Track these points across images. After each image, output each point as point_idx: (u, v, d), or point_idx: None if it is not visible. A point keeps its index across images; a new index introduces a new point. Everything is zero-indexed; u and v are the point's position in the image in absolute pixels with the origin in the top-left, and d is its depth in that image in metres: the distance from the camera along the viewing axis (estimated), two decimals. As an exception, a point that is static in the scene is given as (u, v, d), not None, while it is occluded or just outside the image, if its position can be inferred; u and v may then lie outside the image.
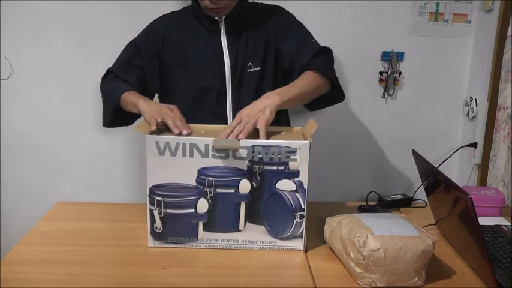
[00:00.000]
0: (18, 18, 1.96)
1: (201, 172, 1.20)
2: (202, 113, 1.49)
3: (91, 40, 2.00)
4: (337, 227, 1.20)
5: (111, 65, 1.48)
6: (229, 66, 1.49)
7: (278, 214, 1.22)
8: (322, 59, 1.48)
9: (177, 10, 1.59)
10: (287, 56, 1.51)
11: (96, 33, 1.99)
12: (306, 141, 1.19)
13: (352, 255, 1.10)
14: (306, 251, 1.25)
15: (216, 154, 1.19)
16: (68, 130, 2.08)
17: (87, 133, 2.08)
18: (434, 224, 1.38)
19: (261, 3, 1.60)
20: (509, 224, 1.39)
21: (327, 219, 1.26)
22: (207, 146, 1.18)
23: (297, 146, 1.18)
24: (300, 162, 1.19)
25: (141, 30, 1.58)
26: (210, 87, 1.50)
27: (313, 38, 1.54)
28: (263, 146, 1.19)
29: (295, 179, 1.20)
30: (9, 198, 2.12)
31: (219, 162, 1.20)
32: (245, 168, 1.20)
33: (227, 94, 1.50)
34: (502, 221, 1.42)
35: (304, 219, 1.22)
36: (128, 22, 1.99)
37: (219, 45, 1.49)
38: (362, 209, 1.52)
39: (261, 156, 1.19)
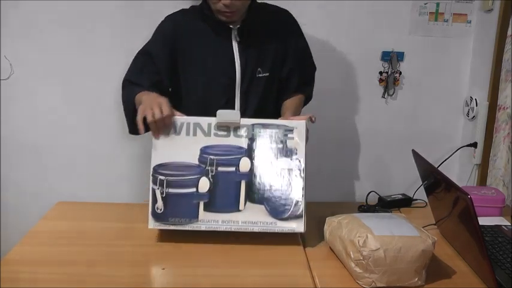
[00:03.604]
0: (18, 18, 1.96)
1: (204, 151, 1.25)
2: (209, 115, 1.49)
3: (91, 40, 2.00)
4: (337, 227, 1.20)
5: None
6: (240, 71, 1.50)
7: (277, 193, 1.24)
8: (312, 85, 1.70)
9: (185, 8, 1.57)
10: (288, 69, 1.58)
11: (96, 34, 1.99)
12: (302, 121, 1.27)
13: (352, 255, 1.10)
14: (305, 246, 1.25)
15: (218, 133, 1.26)
16: (68, 130, 2.08)
17: (87, 133, 2.09)
18: (434, 224, 1.38)
19: (269, 6, 1.60)
20: (509, 224, 1.39)
21: (327, 219, 1.26)
22: (209, 124, 1.26)
23: (294, 125, 1.27)
24: (297, 141, 1.26)
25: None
26: (218, 90, 1.51)
27: (311, 56, 1.67)
28: (262, 124, 1.27)
29: (293, 157, 1.26)
30: (9, 198, 2.12)
31: (220, 141, 1.26)
32: (245, 147, 1.26)
33: (235, 98, 1.52)
34: (502, 221, 1.42)
35: (303, 198, 1.24)
36: (128, 22, 1.99)
37: (230, 50, 1.49)
38: (362, 209, 1.51)
39: (260, 134, 1.26)
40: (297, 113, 1.53)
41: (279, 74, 1.57)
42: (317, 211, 1.35)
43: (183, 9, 1.57)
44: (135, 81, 1.48)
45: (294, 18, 1.60)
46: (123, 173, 2.14)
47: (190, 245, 1.25)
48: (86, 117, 2.07)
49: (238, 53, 1.49)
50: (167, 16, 1.55)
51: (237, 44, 1.49)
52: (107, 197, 2.02)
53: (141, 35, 1.99)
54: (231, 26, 1.47)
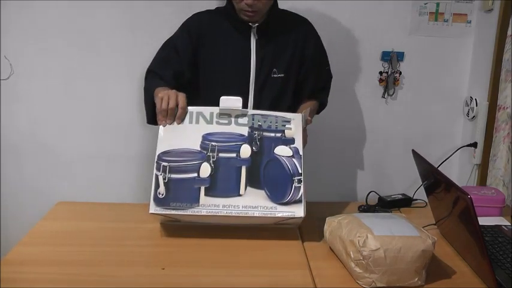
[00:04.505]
0: (18, 18, 1.96)
1: (205, 138, 1.30)
2: None
3: (91, 40, 2.00)
4: (337, 227, 1.20)
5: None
6: (255, 70, 1.54)
7: (277, 178, 1.27)
8: (327, 92, 1.75)
9: (211, 9, 1.62)
10: (304, 74, 1.63)
11: (96, 33, 1.99)
12: (299, 114, 1.35)
13: (352, 255, 1.10)
14: (305, 247, 1.25)
15: (220, 121, 1.32)
16: (68, 130, 2.08)
17: (88, 133, 2.09)
18: (434, 224, 1.38)
19: (290, 12, 1.64)
20: (509, 224, 1.39)
21: (327, 219, 1.26)
22: (211, 113, 1.33)
23: (291, 117, 1.34)
24: (295, 131, 1.32)
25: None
26: (233, 87, 1.53)
27: (328, 64, 1.73)
28: (262, 114, 1.34)
29: (292, 146, 1.31)
30: (10, 198, 2.12)
31: (222, 128, 1.31)
32: (246, 134, 1.31)
33: (249, 96, 1.56)
34: (502, 221, 1.42)
35: (302, 184, 1.26)
36: (128, 22, 1.99)
37: (247, 49, 1.54)
38: (362, 209, 1.51)
39: (260, 123, 1.32)
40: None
41: (295, 77, 1.61)
42: (317, 211, 1.35)
43: (208, 9, 1.63)
44: (158, 72, 1.53)
45: (313, 27, 1.64)
46: (123, 173, 2.13)
47: (190, 244, 1.25)
48: (86, 117, 2.07)
49: (255, 51, 1.54)
50: (194, 13, 1.61)
51: (255, 42, 1.54)
52: (107, 197, 2.02)
53: (142, 36, 2.01)
54: (250, 24, 1.52)
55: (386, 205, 1.55)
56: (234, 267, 1.16)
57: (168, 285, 1.08)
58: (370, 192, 1.60)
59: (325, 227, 1.26)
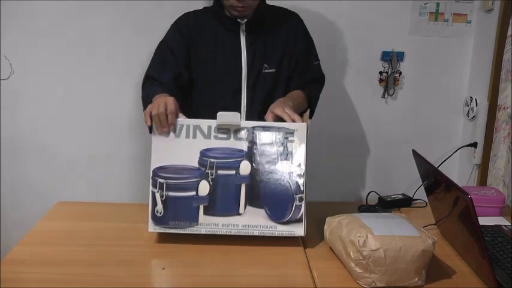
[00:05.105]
0: (18, 18, 1.95)
1: (203, 153, 1.24)
2: (218, 109, 1.51)
3: (91, 40, 2.00)
4: (337, 227, 1.20)
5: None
6: (246, 66, 1.54)
7: (277, 196, 1.24)
8: (317, 88, 1.67)
9: (198, 9, 1.62)
10: (295, 66, 1.60)
11: (96, 34, 1.99)
12: (304, 123, 1.25)
13: (352, 255, 1.10)
14: (305, 246, 1.25)
15: (218, 135, 1.25)
16: (68, 130, 2.08)
17: (88, 133, 2.08)
18: (434, 224, 1.38)
19: (278, 7, 1.64)
20: (509, 224, 1.39)
21: (327, 219, 1.26)
22: (209, 127, 1.25)
23: (295, 128, 1.25)
24: (298, 143, 1.25)
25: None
26: (226, 85, 1.54)
27: (317, 57, 1.67)
28: (263, 127, 1.26)
29: (294, 160, 1.25)
30: (10, 197, 2.12)
31: (220, 143, 1.25)
32: (245, 149, 1.25)
33: (242, 93, 1.55)
34: (502, 221, 1.42)
35: (303, 202, 1.23)
36: (128, 23, 1.99)
37: (237, 46, 1.54)
38: (362, 209, 1.51)
39: (260, 137, 1.25)
40: (293, 103, 1.47)
41: (286, 71, 1.59)
42: (317, 211, 1.35)
43: (195, 9, 1.62)
44: (157, 77, 1.51)
45: (302, 21, 1.63)
46: (123, 173, 2.13)
47: (190, 245, 1.25)
48: (86, 117, 2.07)
49: (245, 47, 1.53)
50: (183, 14, 1.61)
51: (244, 39, 1.53)
52: (107, 197, 2.02)
53: (142, 36, 2.01)
54: (239, 20, 1.51)
55: (386, 205, 1.55)
56: (234, 267, 1.16)
57: (168, 285, 1.08)
58: (370, 192, 1.60)
59: (325, 227, 1.26)
